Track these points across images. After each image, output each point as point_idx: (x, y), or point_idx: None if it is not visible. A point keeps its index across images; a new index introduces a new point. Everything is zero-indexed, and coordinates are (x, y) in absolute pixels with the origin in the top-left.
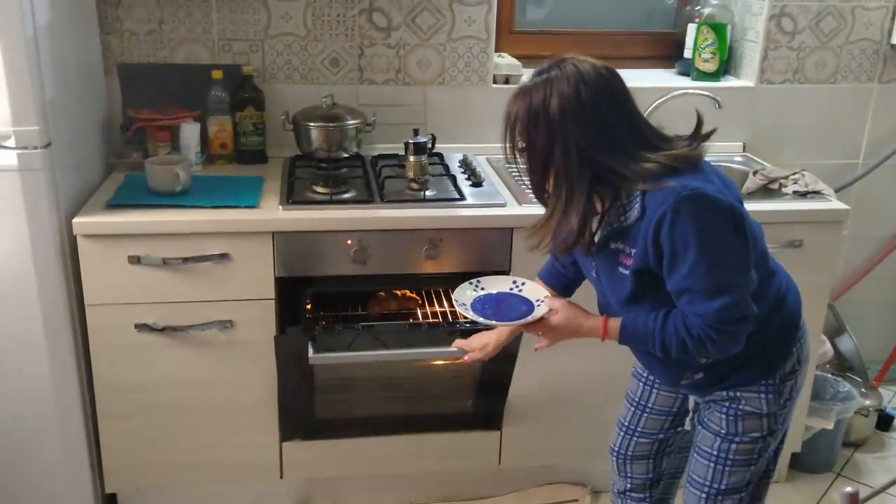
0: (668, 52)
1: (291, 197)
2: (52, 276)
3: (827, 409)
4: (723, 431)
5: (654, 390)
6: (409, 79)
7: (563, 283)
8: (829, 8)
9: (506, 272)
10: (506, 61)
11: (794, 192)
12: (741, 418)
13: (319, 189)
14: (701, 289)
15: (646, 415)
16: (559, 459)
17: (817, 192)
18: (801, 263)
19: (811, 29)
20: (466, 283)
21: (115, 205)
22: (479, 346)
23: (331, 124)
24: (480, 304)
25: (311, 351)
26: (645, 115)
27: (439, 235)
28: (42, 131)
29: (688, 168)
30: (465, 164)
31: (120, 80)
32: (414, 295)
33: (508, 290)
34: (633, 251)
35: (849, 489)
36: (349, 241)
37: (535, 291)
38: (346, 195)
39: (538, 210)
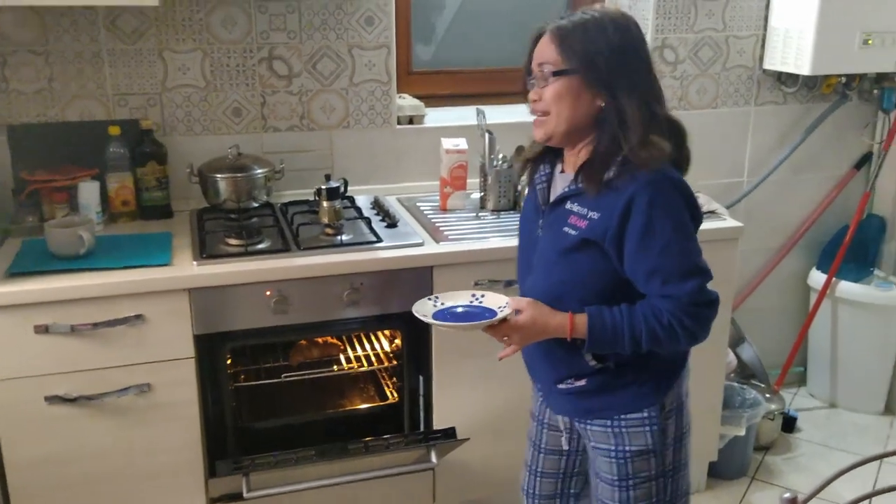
0: None
1: (205, 251)
2: None
3: (737, 416)
4: (616, 479)
5: (544, 429)
6: (313, 124)
7: None
8: (706, 38)
9: None
10: (408, 102)
11: None
12: (629, 460)
13: (233, 241)
14: (674, 269)
15: (542, 455)
16: (493, 491)
17: (712, 212)
18: None
19: (691, 58)
20: (425, 298)
21: (16, 273)
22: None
23: (239, 174)
24: (441, 317)
25: (245, 490)
26: None
27: (359, 279)
28: None
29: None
30: (378, 206)
31: (9, 142)
32: (335, 340)
33: (468, 303)
34: (593, 215)
35: (787, 496)
36: (268, 292)
37: (496, 300)
38: (262, 245)
39: (456, 247)
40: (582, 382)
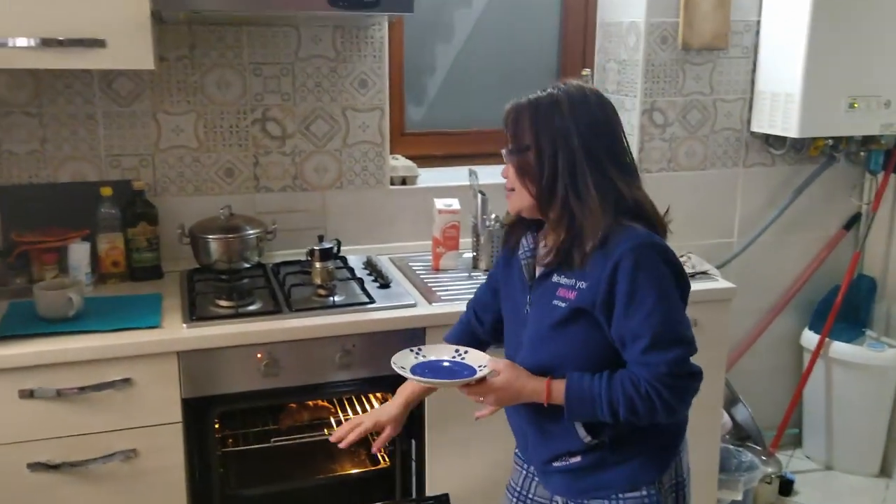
0: None
1: (195, 313)
2: None
3: (734, 480)
4: None
5: (534, 481)
6: (306, 184)
7: (473, 345)
8: (694, 101)
9: None
10: (401, 163)
11: None
12: None
13: (223, 303)
14: (657, 337)
15: None
16: None
17: (704, 273)
18: (698, 342)
19: (680, 121)
20: (407, 349)
21: (2, 336)
22: (348, 427)
23: (230, 235)
24: (421, 370)
25: None
26: None
27: (352, 341)
28: None
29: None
30: (371, 266)
31: (0, 203)
32: (326, 403)
33: (450, 358)
34: (581, 285)
35: None
36: (259, 355)
37: (478, 358)
38: (253, 307)
39: (449, 308)
40: (577, 459)
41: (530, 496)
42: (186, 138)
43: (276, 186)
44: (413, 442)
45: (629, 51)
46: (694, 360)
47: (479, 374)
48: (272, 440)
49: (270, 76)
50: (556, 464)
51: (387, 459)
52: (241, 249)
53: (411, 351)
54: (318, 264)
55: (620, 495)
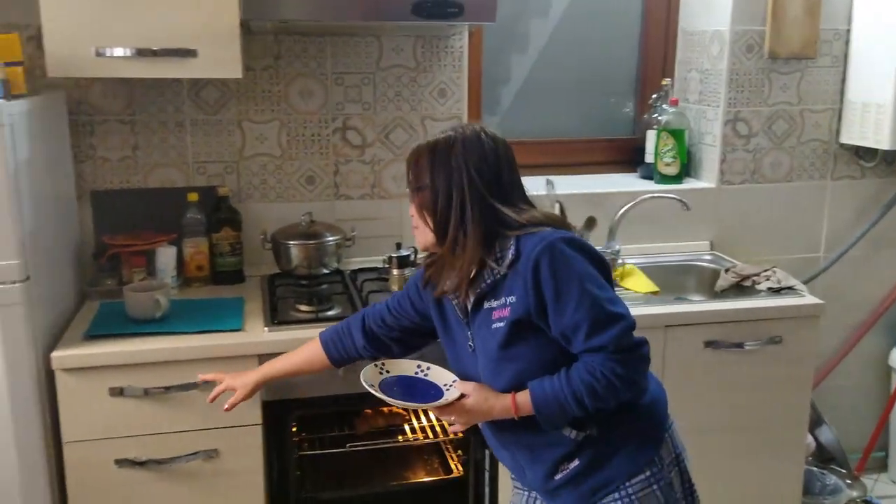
0: (628, 157)
1: (276, 317)
2: (30, 413)
3: (818, 503)
4: None
5: (538, 501)
6: (384, 193)
7: (343, 353)
8: (780, 112)
9: None
10: None
11: (769, 289)
12: None
13: (303, 307)
14: (593, 320)
15: None
16: None
17: (790, 288)
18: (782, 359)
19: (765, 132)
20: (371, 364)
21: (93, 336)
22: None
23: (311, 242)
24: (388, 387)
25: None
26: (616, 217)
27: (428, 347)
28: (21, 265)
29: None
30: None
31: (93, 207)
32: (401, 410)
33: (413, 374)
34: (510, 300)
35: None
36: None
37: (442, 375)
38: (331, 312)
39: None
40: (575, 464)
41: None
42: (270, 146)
43: (355, 194)
44: (487, 452)
45: (712, 60)
46: (777, 375)
47: (448, 397)
48: (348, 445)
49: (352, 86)
50: (557, 477)
51: (460, 468)
52: (320, 256)
53: (375, 366)
54: (395, 271)
55: (627, 483)
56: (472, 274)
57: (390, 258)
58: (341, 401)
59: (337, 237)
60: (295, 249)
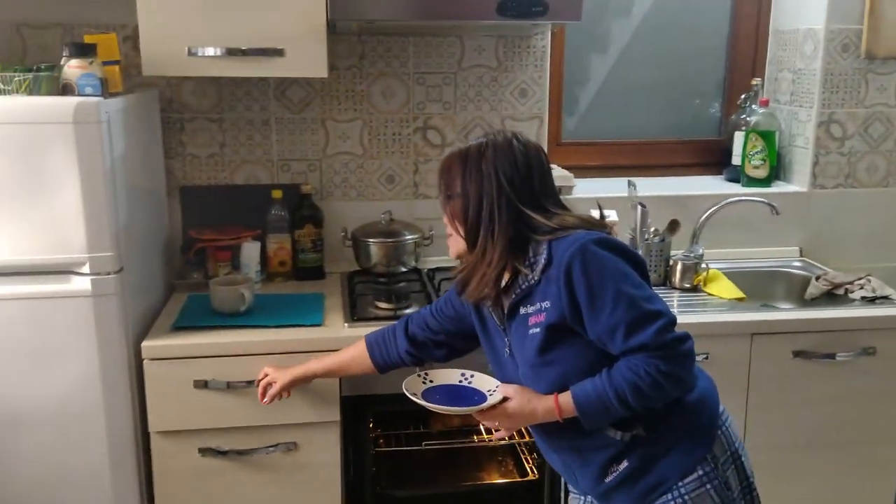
0: (714, 159)
1: (355, 313)
2: (120, 400)
3: None
4: None
5: None
6: None
7: (387, 359)
8: (877, 114)
9: None
10: (558, 173)
11: (863, 298)
12: None
13: (382, 304)
14: (630, 320)
15: None
16: None
17: (886, 298)
18: (876, 371)
19: (860, 134)
20: (415, 374)
21: (181, 327)
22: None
23: (390, 240)
24: (431, 395)
25: None
26: (700, 221)
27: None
28: (115, 257)
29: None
30: None
31: (182, 202)
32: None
33: (457, 383)
34: (545, 305)
35: None
36: None
37: (486, 382)
38: (409, 310)
39: None
40: (624, 464)
41: None
42: (352, 145)
43: (434, 193)
44: None
45: (805, 59)
46: (869, 387)
47: (491, 401)
48: (423, 443)
49: (433, 85)
50: (608, 479)
51: (535, 472)
52: (399, 254)
53: (419, 376)
54: None
55: (680, 484)
56: (506, 280)
57: None
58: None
59: (415, 236)
60: (374, 247)
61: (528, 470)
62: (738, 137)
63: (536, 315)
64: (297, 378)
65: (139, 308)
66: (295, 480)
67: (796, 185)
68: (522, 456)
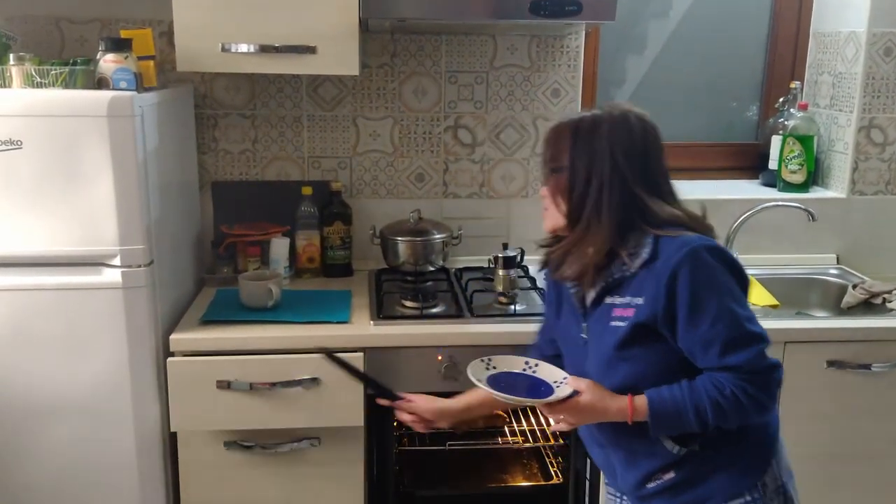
0: (750, 163)
1: (382, 312)
2: (148, 392)
3: None
4: None
5: None
6: (493, 192)
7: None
8: None
9: None
10: None
11: None
12: None
13: (409, 303)
14: (729, 338)
15: None
16: None
17: None
18: None
19: None
20: (478, 359)
21: (209, 321)
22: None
23: (418, 238)
24: (495, 382)
25: None
26: (734, 225)
27: None
28: (146, 250)
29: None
30: None
31: (213, 197)
32: (501, 412)
33: (521, 371)
34: (637, 301)
35: None
36: (439, 357)
37: (551, 373)
38: (436, 309)
39: None
40: (671, 475)
41: None
42: (382, 143)
43: (463, 193)
44: (588, 460)
45: (846, 63)
46: None
47: (562, 394)
48: (447, 444)
49: (465, 84)
50: (650, 485)
51: (560, 476)
52: (427, 253)
53: (482, 361)
54: (500, 272)
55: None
56: (600, 264)
57: (496, 258)
58: (442, 398)
59: (444, 235)
60: (402, 245)
61: (553, 473)
62: (776, 141)
63: (624, 308)
64: (461, 411)
65: (168, 301)
66: (318, 477)
67: (834, 191)
68: (547, 459)
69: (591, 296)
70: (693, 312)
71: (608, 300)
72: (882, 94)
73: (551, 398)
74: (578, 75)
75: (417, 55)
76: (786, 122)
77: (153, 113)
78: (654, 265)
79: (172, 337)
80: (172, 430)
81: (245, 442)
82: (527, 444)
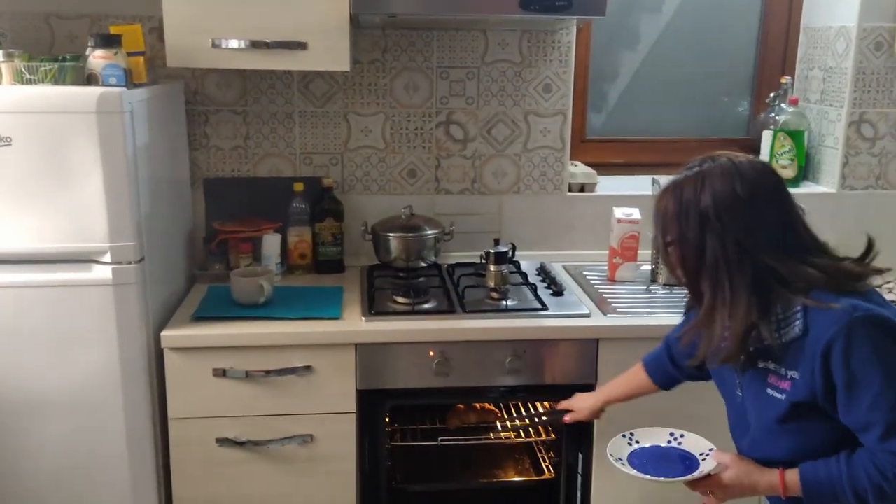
0: None
1: (374, 307)
2: (139, 389)
3: None
4: None
5: None
6: (484, 188)
7: (667, 378)
8: None
9: (592, 386)
10: (581, 170)
11: (891, 303)
12: None
13: (400, 299)
14: (892, 422)
15: None
16: None
17: None
18: None
19: (892, 135)
20: (619, 435)
21: (201, 317)
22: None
23: (410, 234)
24: (638, 459)
25: None
26: None
27: (523, 347)
28: (136, 247)
29: (855, 288)
30: (544, 273)
31: (205, 193)
32: (493, 407)
33: (666, 444)
34: (793, 374)
35: None
36: (431, 353)
37: (697, 444)
38: (427, 305)
39: (625, 321)
40: None
41: None
42: (374, 139)
43: (455, 189)
44: (580, 455)
45: (837, 58)
46: None
47: (704, 470)
48: (439, 439)
49: (456, 80)
50: None
51: (551, 470)
52: (419, 249)
53: (623, 437)
54: (492, 267)
55: None
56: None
57: (488, 254)
58: (434, 393)
59: (436, 231)
60: (394, 241)
61: (545, 469)
62: (766, 136)
63: (780, 379)
64: (596, 408)
65: (160, 298)
66: (311, 472)
67: (825, 185)
68: (539, 454)
69: (741, 359)
70: (850, 393)
71: (762, 364)
72: (872, 88)
73: (693, 476)
74: (570, 70)
75: (408, 51)
76: (776, 117)
77: (143, 109)
78: (807, 340)
79: (164, 333)
80: (170, 418)
81: (238, 438)
82: (519, 440)
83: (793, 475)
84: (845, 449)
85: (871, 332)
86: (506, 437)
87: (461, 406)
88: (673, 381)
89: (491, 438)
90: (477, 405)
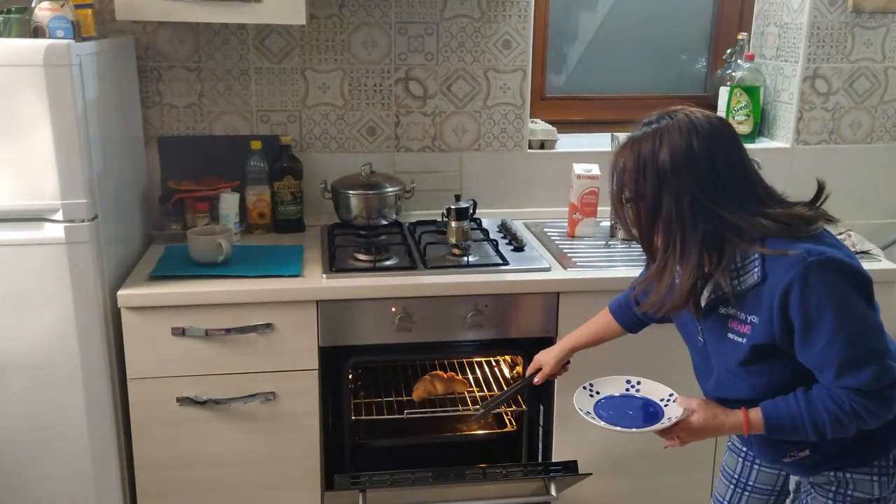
0: None
1: (334, 265)
2: (96, 349)
3: None
4: None
5: (755, 466)
6: (445, 145)
7: (633, 322)
8: (862, 69)
9: (553, 339)
10: (541, 127)
11: None
12: (851, 502)
13: (361, 256)
14: (845, 360)
15: (746, 493)
16: None
17: (866, 252)
18: None
19: (845, 90)
20: (580, 388)
21: (158, 276)
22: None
23: (370, 192)
24: (605, 411)
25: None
26: None
27: (484, 301)
28: (89, 204)
29: (807, 232)
30: (505, 229)
31: (160, 152)
32: (460, 377)
33: (625, 392)
34: (752, 319)
35: None
36: (393, 309)
37: (654, 390)
38: (389, 262)
39: (584, 274)
40: (805, 453)
41: (750, 483)
42: (332, 96)
43: (415, 146)
44: (541, 408)
45: (792, 13)
46: None
47: (674, 417)
48: (406, 412)
49: (415, 35)
50: (786, 459)
51: (513, 423)
52: (379, 206)
53: (584, 389)
54: (453, 224)
55: (850, 471)
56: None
57: (449, 210)
58: (396, 349)
59: (396, 188)
60: (354, 199)
61: (507, 422)
62: (723, 93)
63: (740, 324)
64: (561, 357)
65: (116, 257)
66: (274, 430)
67: (780, 141)
68: (501, 408)
69: (701, 307)
70: (806, 333)
71: (722, 310)
72: (826, 43)
73: (664, 425)
74: (529, 26)
75: (366, 5)
76: (733, 74)
77: (92, 63)
78: (765, 286)
79: (120, 293)
80: (129, 378)
81: (199, 397)
82: (481, 394)
83: (755, 413)
84: (804, 385)
85: (826, 274)
86: (475, 410)
87: (427, 376)
88: (640, 323)
89: (459, 410)
90: (443, 374)
